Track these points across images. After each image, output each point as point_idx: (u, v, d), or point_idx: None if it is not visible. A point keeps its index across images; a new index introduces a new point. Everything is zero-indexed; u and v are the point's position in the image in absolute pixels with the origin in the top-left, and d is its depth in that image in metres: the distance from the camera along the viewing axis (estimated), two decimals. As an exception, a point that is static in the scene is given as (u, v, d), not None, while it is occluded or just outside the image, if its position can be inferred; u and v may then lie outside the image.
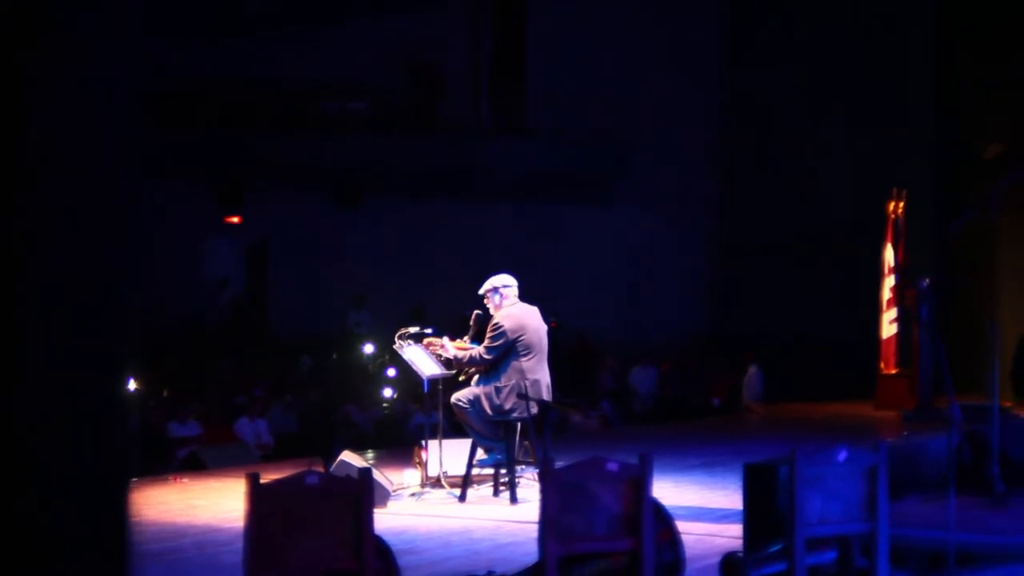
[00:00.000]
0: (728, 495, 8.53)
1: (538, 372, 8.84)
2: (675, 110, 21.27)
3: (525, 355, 8.81)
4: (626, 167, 21.22)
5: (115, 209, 3.43)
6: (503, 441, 8.81)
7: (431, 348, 9.20)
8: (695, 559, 6.26)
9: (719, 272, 21.39)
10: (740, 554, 6.12)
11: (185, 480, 10.32)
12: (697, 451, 11.61)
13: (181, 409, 13.28)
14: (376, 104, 20.51)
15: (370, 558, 4.93)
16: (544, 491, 5.25)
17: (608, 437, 14.35)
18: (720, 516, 7.98)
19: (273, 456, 12.88)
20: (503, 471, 8.91)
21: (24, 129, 3.25)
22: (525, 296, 9.14)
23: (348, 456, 8.89)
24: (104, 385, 3.42)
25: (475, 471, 9.00)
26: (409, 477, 9.35)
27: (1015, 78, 17.05)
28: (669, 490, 8.69)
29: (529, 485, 8.94)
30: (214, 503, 9.04)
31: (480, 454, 8.97)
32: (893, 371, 15.32)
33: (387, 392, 16.08)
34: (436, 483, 9.13)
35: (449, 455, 9.19)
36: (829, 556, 5.99)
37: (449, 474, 9.14)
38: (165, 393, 14.70)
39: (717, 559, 6.25)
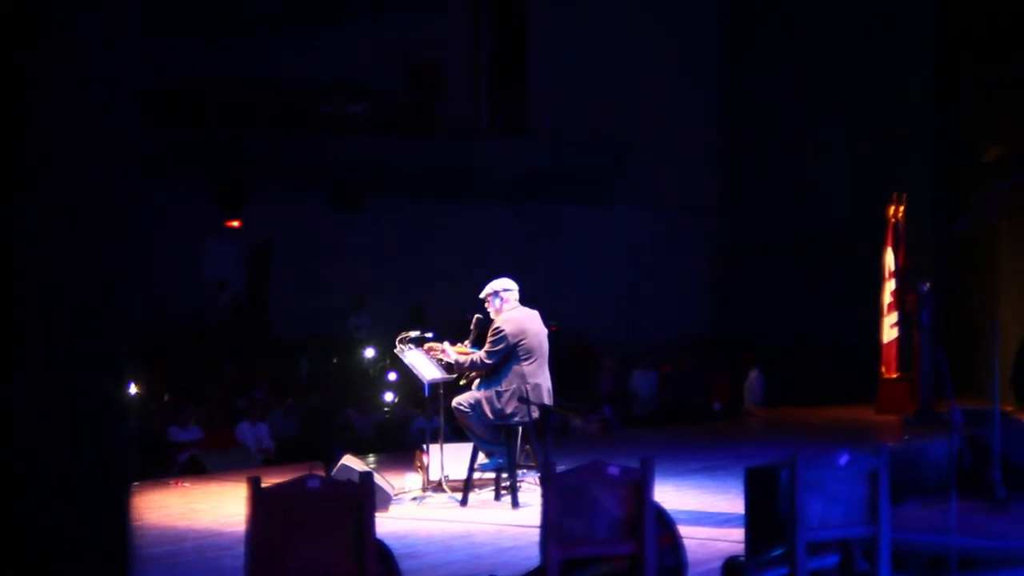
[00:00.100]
0: (729, 499, 8.53)
1: (539, 376, 8.84)
2: (675, 110, 21.26)
3: (526, 359, 8.81)
4: (626, 167, 21.21)
5: (115, 209, 3.43)
6: (504, 445, 8.81)
7: (431, 353, 9.19)
8: (697, 563, 6.26)
9: (719, 272, 21.38)
10: (742, 558, 6.12)
11: (186, 484, 10.31)
12: (698, 455, 11.60)
13: (182, 413, 13.27)
14: (376, 104, 20.50)
15: (371, 562, 4.92)
16: (545, 495, 5.25)
17: (609, 441, 14.35)
18: (721, 520, 7.98)
19: (274, 460, 12.86)
20: (504, 475, 8.91)
21: (24, 129, 3.25)
22: (525, 298, 9.13)
23: (349, 460, 8.88)
24: (104, 386, 3.42)
25: (476, 475, 9.00)
26: (410, 481, 9.34)
27: (1015, 78, 17.03)
28: (670, 494, 8.68)
29: (530, 489, 8.94)
30: (215, 507, 9.03)
31: (481, 458, 8.97)
32: (894, 375, 15.32)
33: (388, 396, 16.07)
34: (437, 487, 9.12)
35: (450, 459, 9.19)
36: (831, 560, 5.99)
37: (450, 478, 9.14)
38: (166, 397, 14.69)
39: (719, 563, 6.25)
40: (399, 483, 9.27)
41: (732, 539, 7.05)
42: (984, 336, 9.24)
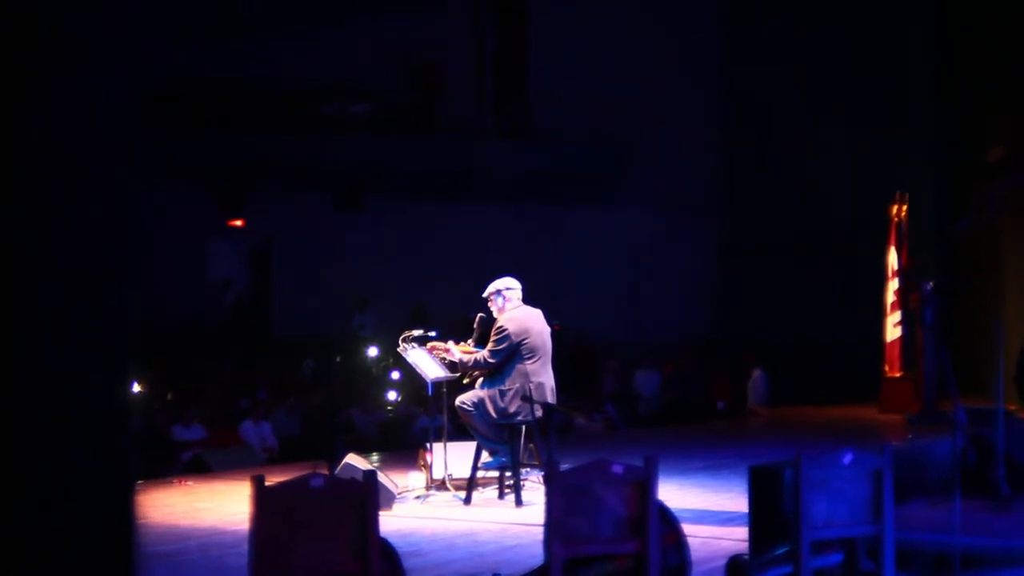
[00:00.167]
0: (733, 498, 8.52)
1: (542, 375, 8.84)
2: (675, 110, 21.26)
3: (529, 358, 8.80)
4: (626, 167, 21.21)
5: (115, 209, 3.42)
6: (508, 444, 8.80)
7: (435, 352, 9.19)
8: (700, 562, 6.25)
9: (719, 272, 21.37)
10: (746, 557, 6.11)
11: (190, 483, 10.32)
12: (702, 454, 11.60)
13: (185, 412, 13.28)
14: (376, 104, 20.51)
15: (375, 561, 4.92)
16: (549, 494, 5.25)
17: (612, 440, 14.35)
18: (725, 519, 7.97)
19: (278, 459, 12.87)
20: (508, 474, 8.91)
21: (24, 129, 3.24)
22: (526, 298, 9.13)
23: (353, 459, 8.89)
24: (105, 385, 3.41)
25: (480, 474, 9.00)
26: (414, 480, 9.35)
27: (1015, 78, 17.03)
28: (674, 493, 8.68)
29: (534, 488, 8.93)
30: (219, 506, 9.04)
31: (485, 457, 8.96)
32: (897, 374, 15.31)
33: (391, 395, 16.08)
34: (441, 486, 9.12)
35: (454, 458, 9.19)
36: (835, 559, 5.98)
37: (454, 477, 9.14)
38: (169, 396, 14.70)
39: (722, 562, 6.24)
40: (402, 482, 9.28)
41: (736, 538, 7.05)
42: (988, 335, 9.23)
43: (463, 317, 12.25)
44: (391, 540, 5.38)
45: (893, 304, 15.33)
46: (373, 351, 17.92)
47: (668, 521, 5.63)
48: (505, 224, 20.79)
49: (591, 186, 21.30)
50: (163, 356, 15.95)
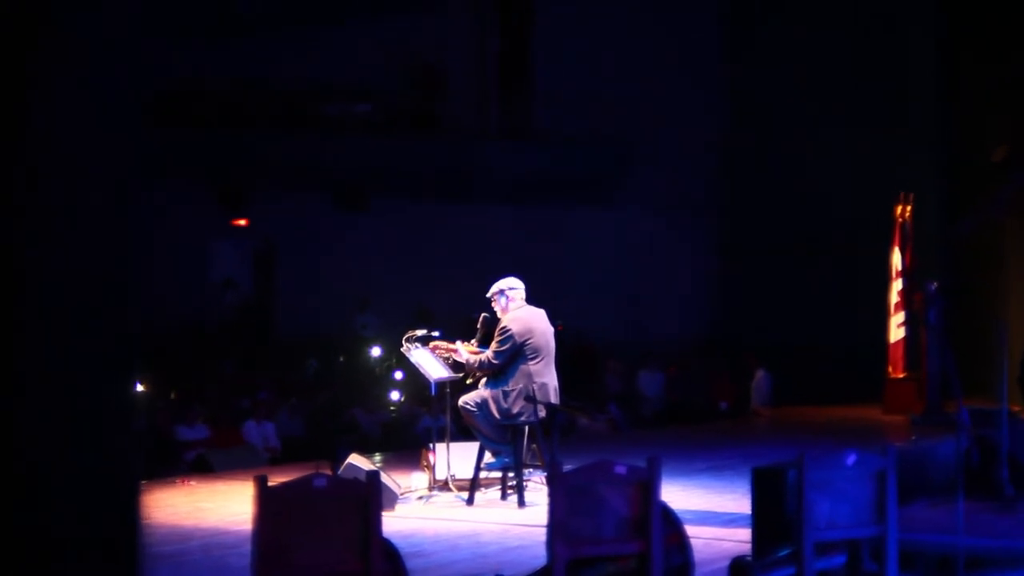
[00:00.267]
0: (736, 499, 8.51)
1: (545, 375, 8.84)
2: (675, 110, 21.24)
3: (533, 358, 8.80)
4: (626, 168, 21.21)
5: (115, 209, 3.42)
6: (511, 444, 8.80)
7: (437, 351, 9.19)
8: (703, 563, 6.24)
9: (719, 272, 21.36)
10: (749, 558, 6.11)
11: (192, 483, 10.32)
12: (705, 455, 11.59)
13: (188, 412, 13.28)
14: (377, 105, 20.52)
15: (378, 561, 4.92)
16: (552, 494, 5.25)
17: (616, 440, 14.34)
18: (728, 520, 7.97)
19: (280, 459, 12.87)
20: (511, 474, 8.91)
21: (24, 129, 3.24)
22: (528, 298, 9.12)
23: (355, 459, 8.89)
24: (106, 386, 3.41)
25: (483, 474, 9.00)
26: (416, 480, 9.35)
27: (1016, 78, 17.02)
28: (677, 494, 8.67)
29: (537, 488, 8.92)
30: (221, 506, 9.04)
31: (488, 457, 8.96)
32: (901, 375, 15.30)
33: (394, 395, 16.08)
34: (444, 486, 9.12)
35: (456, 458, 9.18)
36: (838, 560, 5.98)
37: (457, 477, 9.13)
38: (172, 396, 14.71)
39: (725, 563, 6.24)
40: (405, 482, 9.27)
41: (738, 539, 7.04)
42: (991, 336, 9.23)
43: (464, 317, 12.26)
44: (394, 541, 5.38)
45: (897, 305, 15.32)
46: (376, 351, 17.93)
47: (671, 522, 5.63)
48: (505, 224, 20.79)
49: (591, 186, 21.30)
50: (163, 356, 15.95)
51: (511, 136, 21.28)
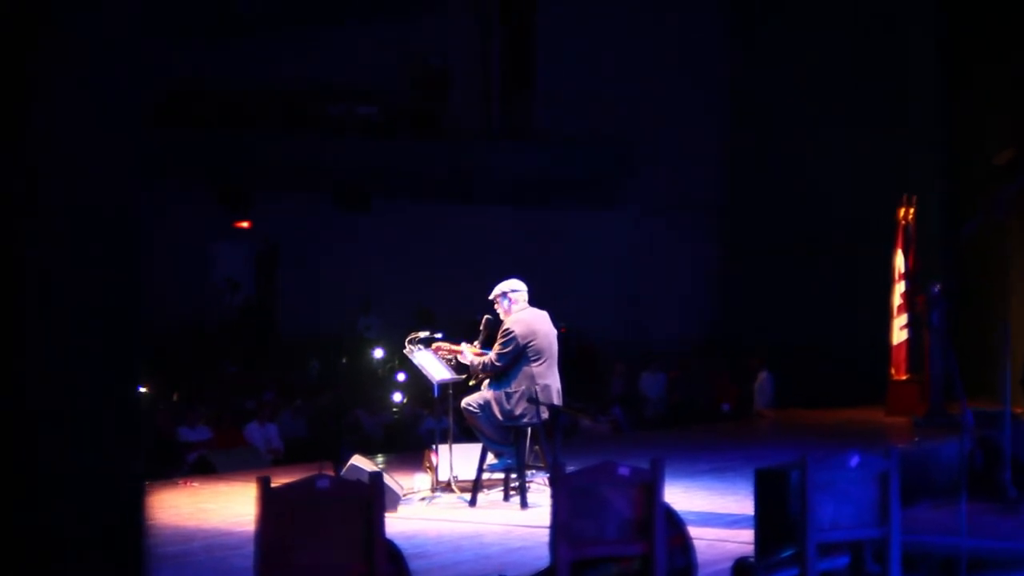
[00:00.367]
0: (739, 500, 8.51)
1: (548, 377, 8.84)
2: (676, 111, 21.23)
3: (535, 360, 8.80)
4: (627, 168, 21.20)
5: (116, 209, 3.42)
6: (513, 446, 8.80)
7: (440, 353, 9.19)
8: (706, 564, 6.24)
9: (720, 273, 21.34)
10: (752, 559, 6.10)
11: (195, 484, 10.31)
12: (707, 456, 11.58)
13: (190, 413, 13.28)
14: (379, 106, 20.53)
15: (381, 562, 4.92)
16: (555, 496, 5.25)
17: (618, 442, 14.33)
18: (731, 521, 7.96)
19: (283, 460, 12.87)
20: (513, 476, 8.91)
21: (24, 129, 3.24)
22: (529, 299, 9.12)
23: (358, 460, 8.89)
24: (107, 386, 3.41)
25: (485, 476, 9.00)
26: (419, 481, 9.34)
27: (1016, 78, 17.00)
28: (680, 495, 8.66)
29: (540, 490, 8.93)
30: (224, 507, 9.03)
31: (490, 459, 8.96)
32: (904, 377, 15.28)
33: (397, 397, 16.08)
34: (446, 487, 9.12)
35: (459, 459, 9.18)
36: (841, 561, 5.97)
37: (459, 479, 9.13)
38: (174, 397, 14.71)
39: (728, 564, 6.24)
40: (408, 483, 9.27)
41: (741, 540, 7.03)
42: (994, 337, 9.22)
43: (466, 318, 12.26)
44: (396, 542, 5.38)
45: (900, 307, 15.30)
46: (379, 353, 17.93)
47: (674, 523, 5.63)
48: (506, 224, 20.80)
49: (592, 186, 21.31)
50: (164, 357, 15.95)
51: (512, 136, 21.29)
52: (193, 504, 9.24)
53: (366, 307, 19.60)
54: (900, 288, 15.31)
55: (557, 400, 8.85)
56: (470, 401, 8.90)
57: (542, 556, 5.80)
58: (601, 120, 21.00)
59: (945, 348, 13.61)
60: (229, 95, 19.58)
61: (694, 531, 5.99)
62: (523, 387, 8.74)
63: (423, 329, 9.78)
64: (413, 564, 5.61)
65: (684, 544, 5.71)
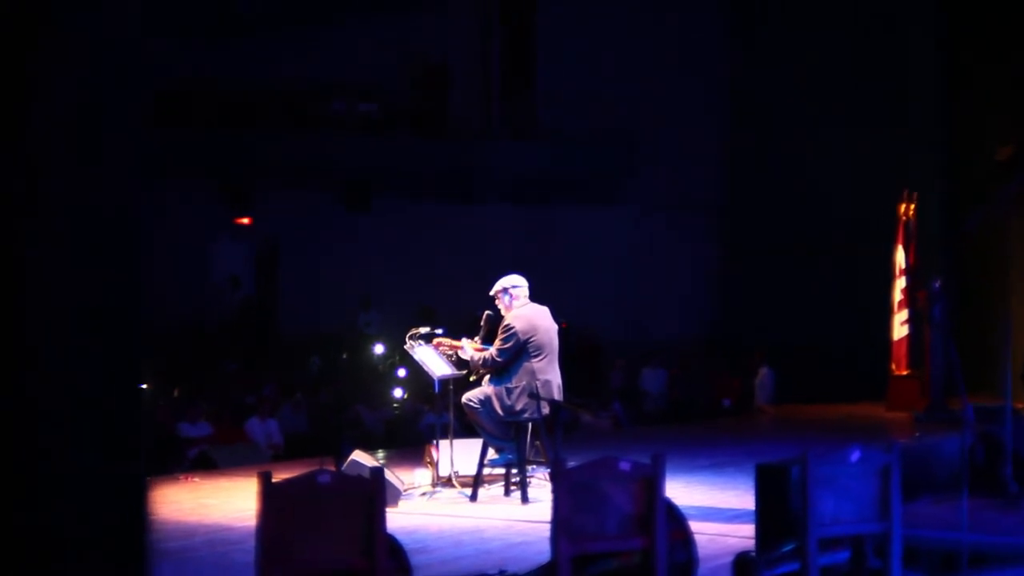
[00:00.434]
0: (739, 495, 8.51)
1: (549, 373, 8.84)
2: (676, 110, 21.23)
3: (536, 356, 8.80)
4: (627, 168, 21.20)
5: (116, 209, 3.42)
6: (514, 441, 8.80)
7: (441, 348, 9.20)
8: (707, 559, 6.25)
9: (720, 272, 21.34)
10: (753, 554, 6.11)
11: (196, 479, 10.32)
12: (708, 451, 11.58)
13: (191, 409, 13.29)
14: (379, 105, 20.54)
15: (382, 557, 4.92)
16: (556, 491, 5.25)
17: (619, 437, 14.34)
18: (732, 516, 7.96)
19: (284, 456, 12.88)
20: (514, 471, 8.91)
21: (24, 129, 3.24)
22: (530, 296, 9.12)
23: (359, 456, 8.90)
24: (108, 385, 3.41)
25: (486, 471, 9.01)
26: (420, 477, 9.35)
27: (1016, 77, 16.99)
28: (680, 490, 8.67)
29: (540, 485, 8.94)
30: (225, 502, 9.04)
31: (491, 454, 8.96)
32: (904, 372, 15.29)
33: (397, 392, 16.09)
34: (447, 483, 9.13)
35: (460, 455, 9.19)
36: (842, 556, 5.97)
37: (460, 474, 9.14)
38: (175, 393, 14.72)
39: (729, 559, 6.24)
40: (409, 479, 9.28)
41: (743, 535, 7.03)
42: (995, 332, 9.23)
43: (467, 315, 12.26)
44: (397, 537, 5.39)
45: (900, 302, 15.30)
46: (379, 348, 17.94)
47: (675, 518, 5.63)
48: (507, 223, 20.80)
49: (592, 186, 21.32)
50: (165, 355, 15.95)
51: (512, 136, 21.29)
52: (194, 499, 9.25)
53: (366, 303, 19.60)
54: (901, 284, 15.32)
55: (558, 395, 8.86)
56: (471, 396, 8.91)
57: (543, 551, 5.80)
58: (601, 119, 20.99)
59: (946, 343, 13.61)
60: (229, 94, 19.58)
61: (695, 526, 5.99)
62: (524, 382, 8.75)
63: (425, 325, 9.79)
64: (414, 559, 5.62)
65: (685, 539, 5.71)
